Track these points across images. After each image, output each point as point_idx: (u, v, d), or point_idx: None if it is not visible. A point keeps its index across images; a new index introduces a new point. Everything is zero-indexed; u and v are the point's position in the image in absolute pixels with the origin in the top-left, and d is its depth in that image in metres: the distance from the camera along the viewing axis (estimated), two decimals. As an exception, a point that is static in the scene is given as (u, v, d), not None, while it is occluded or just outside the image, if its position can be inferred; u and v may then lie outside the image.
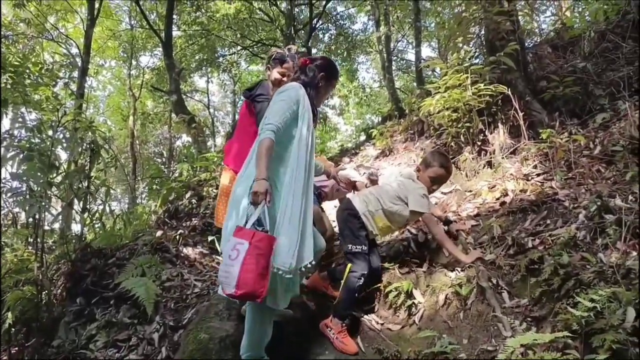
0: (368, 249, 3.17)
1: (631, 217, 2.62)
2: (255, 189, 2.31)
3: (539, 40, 6.80)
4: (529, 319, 2.56)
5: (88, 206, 4.91)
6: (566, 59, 5.37)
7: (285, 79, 3.61)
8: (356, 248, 3.13)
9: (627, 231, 2.55)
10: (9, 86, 4.65)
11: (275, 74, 3.53)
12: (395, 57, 19.35)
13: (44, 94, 5.43)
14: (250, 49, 16.36)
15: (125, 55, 16.32)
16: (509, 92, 4.44)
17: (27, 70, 4.87)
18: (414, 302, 3.20)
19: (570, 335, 2.12)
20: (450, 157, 4.94)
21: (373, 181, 4.02)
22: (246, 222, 2.32)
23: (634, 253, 2.45)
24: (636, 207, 2.69)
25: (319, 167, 3.19)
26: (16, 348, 3.97)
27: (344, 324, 3.04)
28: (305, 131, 2.59)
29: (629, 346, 1.99)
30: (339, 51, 17.29)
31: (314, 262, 2.58)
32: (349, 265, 3.08)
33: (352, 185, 3.82)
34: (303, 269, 2.48)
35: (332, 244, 3.97)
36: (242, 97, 4.05)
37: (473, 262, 3.05)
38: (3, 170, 5.55)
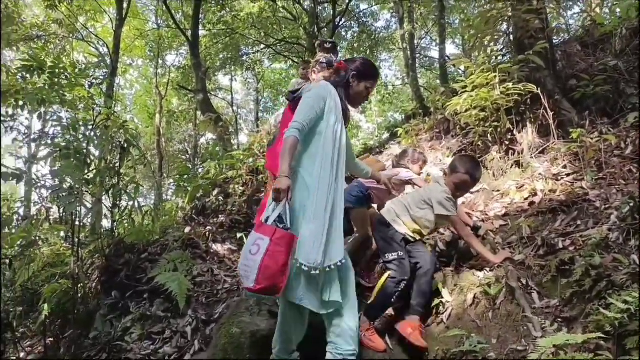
0: (411, 252, 3.15)
1: (665, 218, 2.60)
2: (276, 186, 2.31)
3: (567, 38, 6.70)
4: (559, 319, 2.55)
5: (118, 202, 5.06)
6: (596, 57, 5.28)
7: None
8: (391, 256, 3.09)
9: (661, 233, 2.52)
10: (46, 86, 4.81)
11: (320, 77, 3.73)
12: (418, 55, 19.24)
13: (77, 94, 5.59)
14: (274, 47, 16.47)
15: (152, 54, 16.63)
16: (538, 91, 4.40)
17: (62, 71, 5.01)
18: (442, 301, 3.21)
19: (603, 336, 2.12)
20: (478, 156, 4.93)
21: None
22: (267, 219, 2.33)
23: (669, 255, 2.43)
24: (671, 208, 2.67)
25: (365, 171, 3.18)
26: (51, 339, 4.14)
27: (372, 323, 3.08)
28: (332, 128, 2.57)
29: (663, 348, 1.99)
30: (361, 49, 17.27)
31: (344, 261, 2.52)
32: (387, 272, 3.07)
33: (406, 184, 3.92)
34: (333, 267, 2.42)
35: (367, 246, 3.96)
36: (285, 99, 4.11)
37: (502, 262, 3.05)
38: (38, 167, 5.73)
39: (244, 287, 2.29)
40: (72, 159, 4.27)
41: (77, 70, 5.85)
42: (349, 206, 3.52)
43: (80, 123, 4.79)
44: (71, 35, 12.40)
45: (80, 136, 4.67)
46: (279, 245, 2.24)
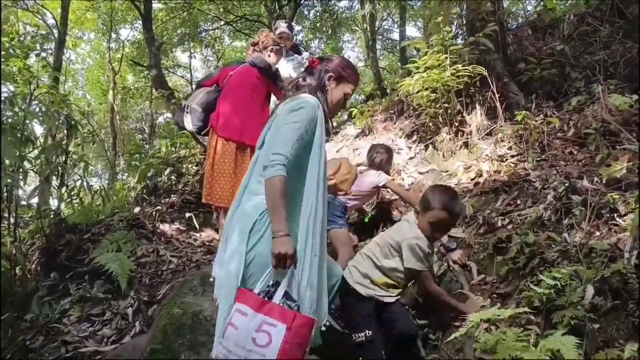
0: (386, 320, 2.52)
1: (596, 198, 2.69)
2: (278, 249, 1.84)
3: (521, 22, 6.82)
4: (494, 295, 2.63)
5: (66, 181, 4.86)
6: (545, 42, 5.40)
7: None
8: (359, 337, 2.43)
9: (592, 212, 2.62)
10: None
11: (275, 59, 3.99)
12: (381, 37, 19.24)
13: (17, 66, 5.28)
14: (234, 25, 16.06)
15: (104, 27, 15.91)
16: (486, 74, 4.46)
17: (-3, 41, 4.72)
18: (386, 280, 3.26)
19: (532, 311, 2.19)
20: (429, 137, 4.99)
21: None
22: (269, 293, 1.86)
23: (597, 233, 2.52)
24: (601, 188, 2.77)
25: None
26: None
27: None
28: (320, 157, 2.15)
29: (586, 322, 2.07)
30: (324, 29, 17.09)
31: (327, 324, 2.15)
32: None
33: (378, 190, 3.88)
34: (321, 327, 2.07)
35: None
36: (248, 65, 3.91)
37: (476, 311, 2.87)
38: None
39: None
40: (8, 135, 4.04)
41: (15, 41, 5.53)
42: (332, 227, 3.27)
43: (19, 97, 4.54)
44: (14, 4, 11.66)
45: (19, 111, 4.43)
46: (300, 336, 1.78)
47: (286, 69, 4.78)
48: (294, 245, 1.89)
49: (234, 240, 2.08)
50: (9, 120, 4.30)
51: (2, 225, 4.28)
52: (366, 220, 4.07)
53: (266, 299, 1.83)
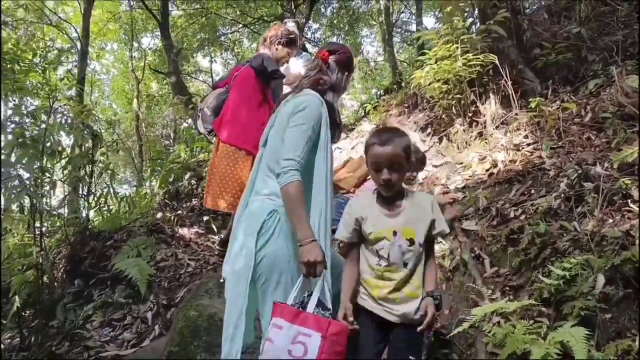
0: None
1: (608, 184, 2.61)
2: (307, 257, 1.80)
3: (536, 7, 6.64)
4: (507, 288, 2.59)
5: (93, 190, 5.00)
6: (561, 25, 5.25)
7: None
8: None
9: (604, 199, 2.54)
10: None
11: (285, 52, 3.87)
12: (399, 29, 19.03)
13: (37, 80, 5.47)
14: (252, 27, 16.18)
15: (126, 37, 16.26)
16: (499, 62, 4.37)
17: (18, 57, 4.89)
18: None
19: (540, 303, 2.15)
20: (442, 129, 4.92)
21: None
22: (303, 303, 1.79)
23: (610, 220, 2.44)
24: (614, 174, 2.68)
25: None
26: (27, 331, 4.13)
27: None
28: (326, 157, 2.11)
29: (597, 312, 2.02)
30: (341, 25, 17.03)
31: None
32: None
33: None
34: None
35: None
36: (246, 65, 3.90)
37: None
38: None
39: None
40: (29, 148, 4.18)
41: (37, 57, 5.72)
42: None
43: (41, 110, 4.69)
44: (39, 20, 12.05)
45: (41, 124, 4.58)
46: (338, 344, 1.71)
47: (297, 66, 4.78)
48: (321, 250, 1.83)
49: (241, 239, 2.07)
50: (34, 132, 4.45)
51: (18, 235, 4.44)
52: None
53: (300, 309, 1.77)
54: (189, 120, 16.01)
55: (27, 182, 3.75)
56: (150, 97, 17.57)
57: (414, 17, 18.81)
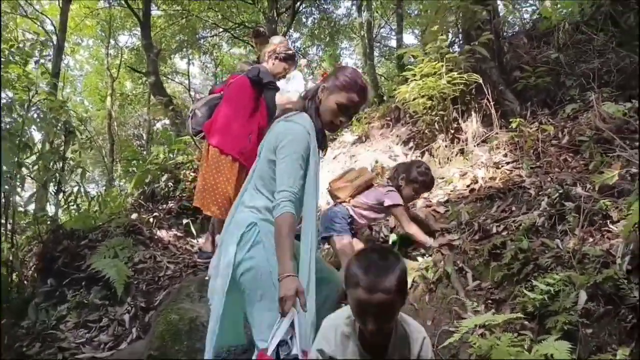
0: None
1: (589, 204, 2.72)
2: (282, 293, 1.76)
3: (516, 31, 6.90)
4: (489, 301, 2.65)
5: (63, 188, 4.86)
6: (540, 50, 5.46)
7: (286, 74, 4.10)
8: None
9: (585, 218, 2.64)
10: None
11: (281, 68, 3.94)
12: (378, 44, 19.34)
13: (15, 73, 5.31)
14: (232, 32, 16.14)
15: (103, 34, 15.97)
16: (481, 82, 4.50)
17: (-3, 48, 4.75)
18: (382, 285, 3.27)
19: (526, 316, 2.21)
20: (425, 144, 5.03)
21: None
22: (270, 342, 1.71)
23: (590, 239, 2.55)
24: (594, 195, 2.80)
25: None
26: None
27: None
28: (315, 187, 2.14)
29: (579, 327, 2.10)
30: (322, 36, 17.19)
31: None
32: None
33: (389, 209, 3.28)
34: None
35: None
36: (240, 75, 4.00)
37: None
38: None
39: None
40: (7, 142, 4.05)
41: (14, 48, 5.55)
42: (330, 234, 3.15)
43: (17, 103, 4.55)
44: (13, 10, 11.71)
45: (18, 117, 4.44)
46: None
47: (292, 87, 4.81)
48: (295, 286, 1.77)
49: (225, 250, 2.12)
50: (8, 126, 4.32)
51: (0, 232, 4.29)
52: (390, 243, 3.63)
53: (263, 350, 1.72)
54: (164, 122, 15.83)
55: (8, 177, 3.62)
56: (124, 96, 17.26)
57: (393, 33, 19.18)
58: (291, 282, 1.78)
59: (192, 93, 20.39)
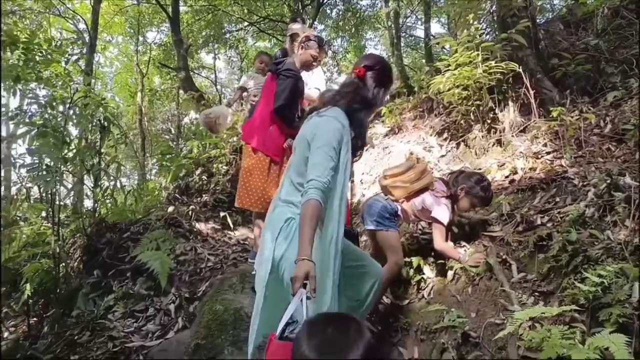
0: None
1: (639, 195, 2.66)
2: (295, 274, 1.84)
3: (550, 17, 6.72)
4: (536, 293, 2.61)
5: (99, 182, 5.00)
6: (578, 36, 5.32)
7: (315, 63, 3.75)
8: None
9: (637, 209, 2.58)
10: (20, 62, 4.68)
11: (308, 55, 3.66)
12: (404, 34, 19.09)
13: (54, 71, 5.46)
14: (257, 25, 16.19)
15: (132, 31, 16.23)
16: (520, 70, 4.42)
17: (37, 47, 4.87)
18: (423, 277, 3.27)
19: (578, 309, 2.18)
20: (460, 135, 4.97)
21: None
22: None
23: (642, 230, 2.49)
24: (646, 185, 2.73)
25: None
26: (35, 318, 4.12)
27: None
28: (344, 180, 2.19)
29: (635, 320, 2.05)
30: (346, 27, 17.07)
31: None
32: None
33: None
34: None
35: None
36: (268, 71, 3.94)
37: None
38: (16, 146, 5.61)
39: None
40: (50, 138, 4.18)
41: (52, 46, 5.70)
42: (379, 229, 3.13)
43: (58, 101, 4.69)
44: (47, 10, 12.01)
45: (58, 114, 4.58)
46: None
47: (312, 84, 4.75)
48: (307, 269, 1.83)
49: (266, 245, 2.18)
50: (50, 123, 4.45)
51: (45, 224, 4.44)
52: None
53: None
54: (192, 116, 16.02)
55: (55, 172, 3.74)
56: (153, 92, 17.53)
57: (419, 23, 18.93)
58: (304, 265, 1.84)
59: (219, 87, 20.59)
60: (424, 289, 3.20)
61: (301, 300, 1.76)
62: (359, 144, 2.35)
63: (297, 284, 1.79)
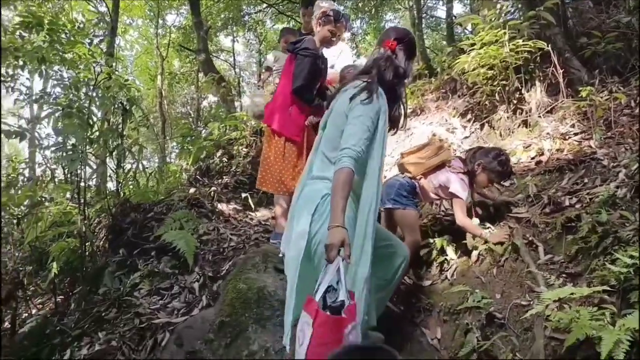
0: None
1: (675, 175, 2.58)
2: (329, 240, 1.83)
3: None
4: (563, 275, 2.58)
5: (122, 163, 5.07)
6: (609, 14, 5.15)
7: (334, 38, 3.67)
8: None
9: (670, 190, 2.51)
10: (45, 45, 4.73)
11: (325, 31, 3.60)
12: (424, 15, 18.74)
13: (78, 53, 5.51)
14: (276, 7, 16.06)
15: (151, 13, 16.25)
16: (549, 48, 4.30)
17: (62, 28, 4.91)
18: (446, 259, 3.25)
19: (609, 289, 2.14)
20: (484, 116, 4.88)
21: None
22: (317, 290, 1.75)
23: (676, 211, 2.42)
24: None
25: None
26: (61, 296, 4.23)
27: None
28: (381, 151, 2.17)
29: (667, 302, 2.01)
30: (366, 8, 16.81)
31: None
32: None
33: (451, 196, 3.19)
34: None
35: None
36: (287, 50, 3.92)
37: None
38: (41, 127, 5.69)
39: None
40: (75, 119, 4.23)
41: (76, 28, 5.74)
42: (396, 207, 3.17)
43: (82, 82, 4.73)
44: (68, -7, 12.10)
45: (82, 95, 4.63)
46: (321, 338, 1.64)
47: (339, 64, 4.66)
48: (342, 236, 1.83)
49: (297, 221, 2.16)
50: (75, 104, 4.50)
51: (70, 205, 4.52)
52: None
53: (312, 296, 1.75)
54: (211, 99, 16.08)
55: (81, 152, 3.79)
56: (173, 75, 17.60)
57: (441, 3, 18.56)
58: (338, 232, 1.84)
59: (237, 70, 20.57)
60: (447, 270, 3.19)
61: (338, 267, 1.76)
62: (397, 116, 2.35)
63: (333, 251, 1.79)
